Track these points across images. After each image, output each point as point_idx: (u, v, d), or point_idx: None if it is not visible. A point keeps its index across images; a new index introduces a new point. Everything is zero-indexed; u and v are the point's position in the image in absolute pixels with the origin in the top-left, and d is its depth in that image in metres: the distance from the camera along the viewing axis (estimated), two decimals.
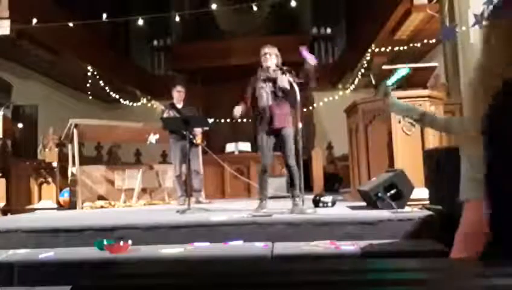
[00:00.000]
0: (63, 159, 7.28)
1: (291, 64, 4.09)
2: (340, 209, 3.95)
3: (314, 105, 11.83)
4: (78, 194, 5.61)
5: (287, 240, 2.97)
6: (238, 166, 7.55)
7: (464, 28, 5.20)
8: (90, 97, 10.98)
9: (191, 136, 4.75)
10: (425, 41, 7.41)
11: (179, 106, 5.65)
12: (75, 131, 5.68)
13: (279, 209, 3.83)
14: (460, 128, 1.65)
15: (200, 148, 5.87)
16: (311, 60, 3.76)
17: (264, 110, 3.92)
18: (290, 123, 3.97)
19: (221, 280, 0.93)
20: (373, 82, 4.70)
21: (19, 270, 2.68)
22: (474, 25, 4.12)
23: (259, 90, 3.94)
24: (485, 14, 3.99)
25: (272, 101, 3.90)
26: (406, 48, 8.00)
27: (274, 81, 3.91)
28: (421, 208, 3.43)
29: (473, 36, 5.18)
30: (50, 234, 3.15)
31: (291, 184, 3.96)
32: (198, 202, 5.56)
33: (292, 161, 3.90)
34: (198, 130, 5.63)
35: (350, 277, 0.92)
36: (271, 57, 3.95)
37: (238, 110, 4.05)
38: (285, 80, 3.87)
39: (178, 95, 5.69)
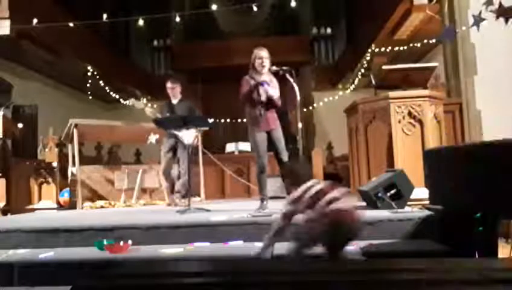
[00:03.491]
0: (63, 159, 7.28)
1: (291, 64, 4.09)
2: None
3: (314, 105, 11.84)
4: (78, 194, 5.61)
5: (287, 240, 2.96)
6: (238, 166, 7.55)
7: (463, 28, 5.21)
8: (90, 97, 10.99)
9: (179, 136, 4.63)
10: (425, 41, 7.40)
11: (175, 101, 5.49)
12: (75, 131, 5.67)
13: (279, 209, 3.82)
14: None
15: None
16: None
17: (257, 112, 3.98)
18: (279, 124, 4.11)
19: (221, 280, 0.92)
20: (373, 82, 4.70)
21: (19, 270, 2.68)
22: (473, 25, 4.14)
23: (253, 92, 3.98)
24: (483, 15, 4.01)
25: (264, 104, 3.97)
26: (406, 48, 7.99)
27: (267, 84, 3.96)
28: (421, 208, 3.42)
29: (473, 36, 5.19)
30: (50, 234, 3.14)
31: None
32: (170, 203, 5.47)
33: (287, 159, 3.99)
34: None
35: (350, 277, 0.92)
36: (267, 61, 4.01)
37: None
38: (275, 85, 3.98)
39: (171, 91, 5.49)
